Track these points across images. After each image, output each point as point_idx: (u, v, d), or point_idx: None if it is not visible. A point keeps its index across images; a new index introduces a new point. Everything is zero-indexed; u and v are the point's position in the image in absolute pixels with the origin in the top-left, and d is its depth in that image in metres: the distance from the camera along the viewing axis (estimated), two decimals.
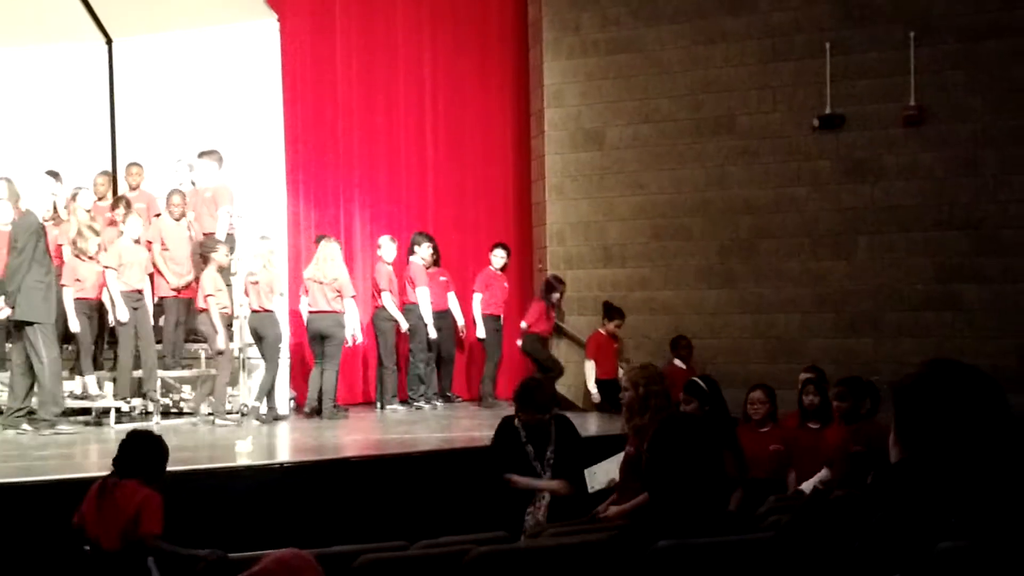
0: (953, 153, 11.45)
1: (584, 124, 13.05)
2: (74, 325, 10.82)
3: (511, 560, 4.51)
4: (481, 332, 12.89)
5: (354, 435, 10.76)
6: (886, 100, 11.67)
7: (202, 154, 12.06)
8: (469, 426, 11.14)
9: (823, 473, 7.47)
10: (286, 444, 10.57)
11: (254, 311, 11.35)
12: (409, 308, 12.39)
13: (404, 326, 12.35)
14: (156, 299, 11.64)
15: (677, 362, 11.79)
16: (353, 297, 11.80)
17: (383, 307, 12.28)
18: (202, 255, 11.38)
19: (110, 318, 11.26)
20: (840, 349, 11.68)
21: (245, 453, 9.29)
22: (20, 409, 10.37)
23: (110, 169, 12.69)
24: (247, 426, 10.99)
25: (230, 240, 11.94)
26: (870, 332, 11.72)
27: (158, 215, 12.14)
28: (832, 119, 11.86)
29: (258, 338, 11.36)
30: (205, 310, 11.10)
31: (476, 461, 8.67)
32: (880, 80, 11.70)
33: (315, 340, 11.61)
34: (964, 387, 2.44)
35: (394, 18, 13.42)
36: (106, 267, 11.01)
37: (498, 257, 13.05)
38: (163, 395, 11.55)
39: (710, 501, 3.54)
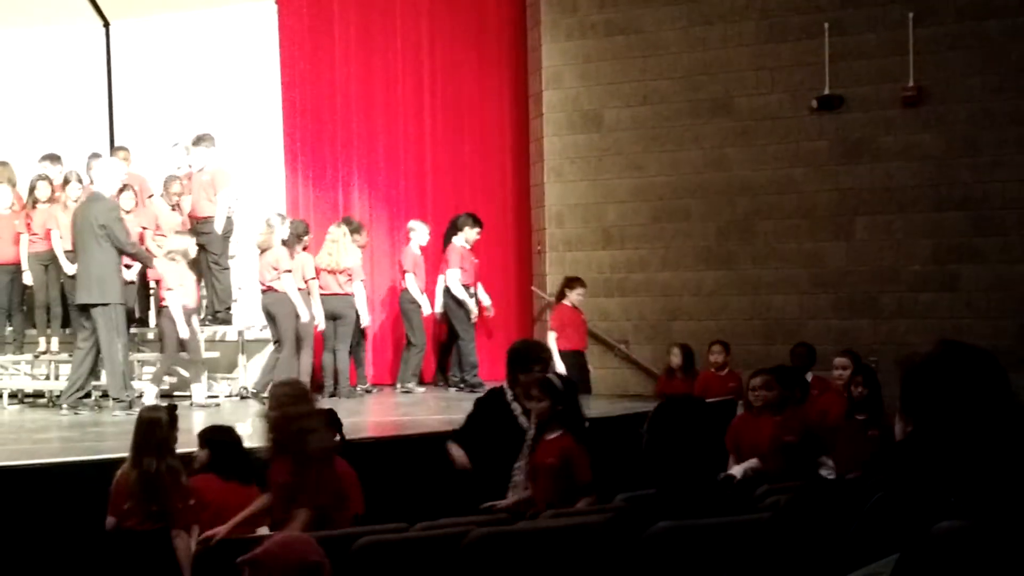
0: (952, 133, 11.44)
1: (582, 106, 13.03)
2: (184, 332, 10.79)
3: (510, 542, 4.53)
4: (561, 367, 10.84)
5: (354, 417, 10.76)
6: (885, 81, 11.65)
7: (196, 141, 12.01)
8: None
9: (753, 462, 7.39)
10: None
11: (333, 294, 11.59)
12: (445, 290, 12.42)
13: (426, 310, 12.39)
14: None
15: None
16: (362, 281, 11.91)
17: (406, 289, 12.34)
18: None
19: None
20: (838, 330, 11.69)
21: (245, 436, 9.29)
22: (80, 390, 10.50)
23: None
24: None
25: (228, 224, 11.95)
26: (868, 313, 11.73)
27: (150, 196, 12.14)
28: (830, 100, 11.84)
29: (335, 316, 11.59)
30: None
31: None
32: (879, 61, 11.68)
33: (327, 322, 11.68)
34: (973, 368, 2.45)
35: (392, 0, 13.39)
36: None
37: (579, 295, 11.95)
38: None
39: (707, 483, 3.56)
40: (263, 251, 11.30)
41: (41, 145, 12.41)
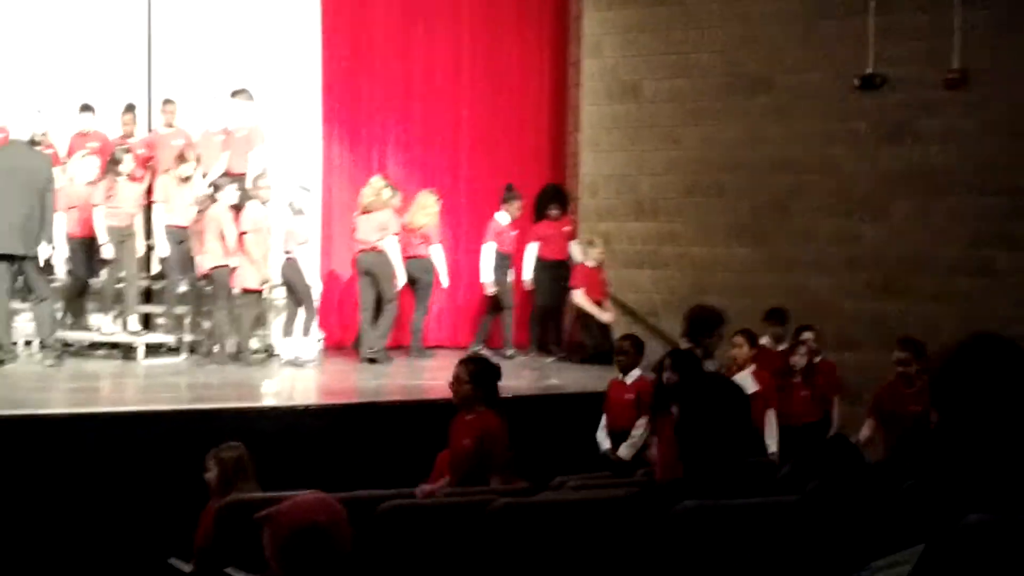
0: (993, 118, 11.30)
1: (621, 76, 12.95)
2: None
3: (533, 512, 4.54)
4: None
5: (385, 380, 10.78)
6: (928, 62, 11.52)
7: (234, 93, 12.00)
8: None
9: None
10: (314, 386, 10.61)
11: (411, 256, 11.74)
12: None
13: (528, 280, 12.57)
14: None
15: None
16: (441, 243, 12.00)
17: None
18: None
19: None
20: (871, 313, 11.62)
21: (271, 393, 9.37)
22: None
23: (136, 105, 12.61)
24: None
25: None
26: (902, 296, 11.64)
27: None
28: (872, 79, 11.72)
29: (412, 280, 11.74)
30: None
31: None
32: (923, 42, 11.55)
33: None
34: (1002, 361, 2.42)
35: None
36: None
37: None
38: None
39: (737, 463, 3.54)
40: (367, 212, 11.41)
41: (79, 95, 12.42)
